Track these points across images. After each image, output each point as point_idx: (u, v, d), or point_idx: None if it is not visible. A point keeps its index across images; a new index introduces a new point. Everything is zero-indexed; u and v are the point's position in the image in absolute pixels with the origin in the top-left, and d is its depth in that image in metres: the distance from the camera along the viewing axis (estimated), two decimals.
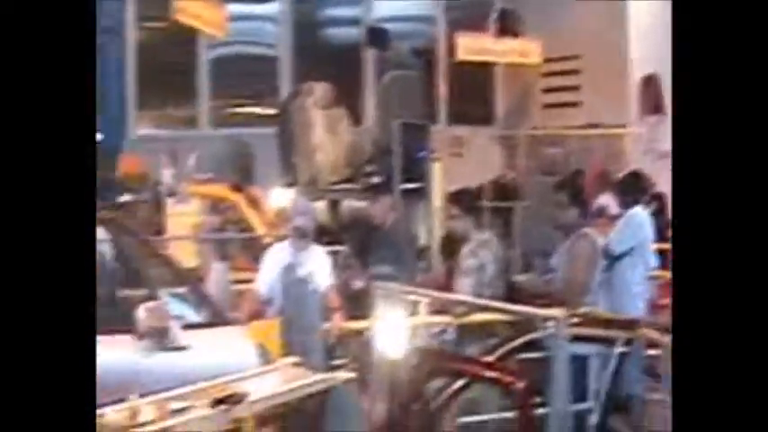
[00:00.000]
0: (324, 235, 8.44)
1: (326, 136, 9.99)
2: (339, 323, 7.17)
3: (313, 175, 9.85)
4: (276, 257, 7.36)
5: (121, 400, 3.97)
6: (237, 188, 10.07)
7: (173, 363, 5.86)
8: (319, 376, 4.49)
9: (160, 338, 5.92)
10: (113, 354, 5.99)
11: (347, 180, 9.91)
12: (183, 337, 5.98)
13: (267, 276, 7.32)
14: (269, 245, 8.32)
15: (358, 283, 8.18)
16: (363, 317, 7.29)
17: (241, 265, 9.22)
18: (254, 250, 9.39)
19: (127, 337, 6.07)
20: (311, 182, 9.83)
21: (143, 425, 3.72)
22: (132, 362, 5.95)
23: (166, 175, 10.60)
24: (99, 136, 12.76)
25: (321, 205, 9.50)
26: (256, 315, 7.14)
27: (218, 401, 3.94)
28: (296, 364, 4.73)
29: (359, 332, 7.35)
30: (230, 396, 3.97)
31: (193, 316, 6.60)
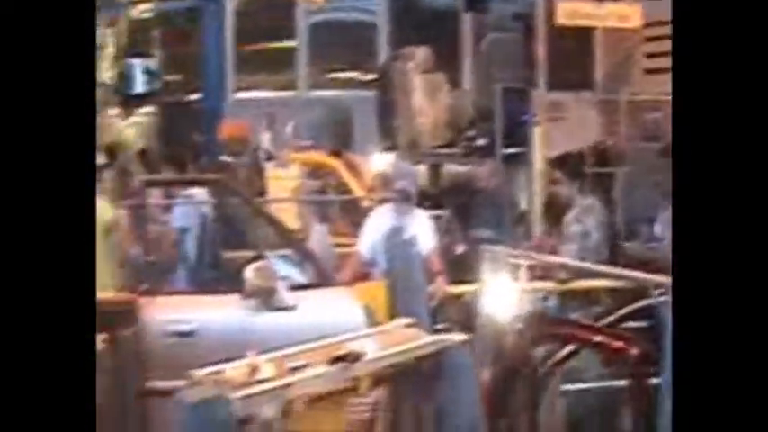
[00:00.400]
0: (424, 199, 8.38)
1: (427, 100, 9.90)
2: (442, 287, 7.11)
3: (413, 139, 9.77)
4: (379, 221, 7.32)
5: (234, 359, 3.97)
6: (336, 153, 10.05)
7: (280, 322, 5.89)
8: (434, 337, 4.43)
9: (267, 298, 5.95)
10: (220, 313, 6.07)
11: (448, 144, 9.81)
12: (289, 297, 5.99)
13: (370, 239, 7.29)
14: (369, 209, 8.28)
15: (459, 248, 8.11)
16: (465, 281, 7.22)
17: (341, 230, 9.22)
18: (353, 214, 9.37)
19: (233, 297, 6.13)
20: (411, 146, 9.76)
21: (262, 381, 3.71)
22: (239, 321, 6.00)
23: (265, 139, 10.63)
24: (200, 98, 12.98)
25: (421, 169, 9.42)
26: (359, 277, 7.12)
27: (336, 360, 3.92)
28: (409, 325, 4.69)
29: (460, 297, 7.29)
30: (348, 355, 3.94)
31: (299, 277, 6.62)
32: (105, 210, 7.42)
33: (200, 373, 3.81)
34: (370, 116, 10.29)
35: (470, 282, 7.11)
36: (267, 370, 3.78)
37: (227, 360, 4.00)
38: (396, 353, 4.21)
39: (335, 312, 5.98)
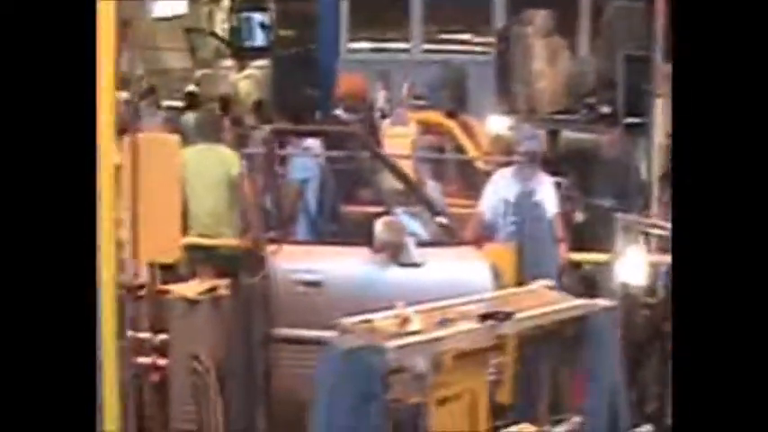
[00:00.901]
0: (543, 165, 8.25)
1: (546, 65, 9.73)
2: (564, 253, 7.00)
3: (532, 103, 9.63)
4: (502, 183, 7.24)
5: (362, 311, 3.93)
6: (452, 114, 9.95)
7: (408, 278, 5.87)
8: (580, 301, 4.35)
9: (396, 253, 5.92)
10: (347, 265, 6.07)
11: (567, 110, 9.64)
12: (418, 253, 5.96)
13: (492, 201, 7.22)
14: (484, 172, 8.19)
15: (579, 215, 7.98)
16: (584, 249, 7.11)
17: (452, 192, 9.16)
18: (467, 176, 9.30)
19: (359, 250, 6.12)
20: (530, 110, 9.62)
21: (413, 333, 3.69)
22: (366, 274, 5.99)
23: (381, 97, 10.59)
24: (314, 53, 12.99)
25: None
26: (481, 239, 7.06)
27: (485, 317, 3.87)
28: (551, 288, 4.62)
29: (580, 265, 7.18)
30: (497, 313, 3.89)
31: (424, 234, 6.58)
32: (231, 158, 7.50)
33: (351, 321, 3.79)
34: (486, 79, 10.17)
35: (591, 250, 7.01)
36: (417, 322, 3.74)
37: (358, 312, 3.97)
38: (543, 314, 4.15)
39: (463, 271, 5.93)
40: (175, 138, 5.55)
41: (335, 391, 3.49)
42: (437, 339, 3.70)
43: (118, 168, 4.21)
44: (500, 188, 7.18)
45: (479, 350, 3.91)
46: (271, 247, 5.99)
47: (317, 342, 5.74)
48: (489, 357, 4.03)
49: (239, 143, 8.80)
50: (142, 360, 5.46)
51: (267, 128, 6.63)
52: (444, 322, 3.85)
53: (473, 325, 3.86)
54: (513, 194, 6.95)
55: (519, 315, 3.99)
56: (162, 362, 5.78)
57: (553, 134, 9.61)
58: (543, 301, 4.32)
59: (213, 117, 7.93)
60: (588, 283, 6.86)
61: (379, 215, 6.16)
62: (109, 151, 3.64)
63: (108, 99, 3.56)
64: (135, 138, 4.87)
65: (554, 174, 8.40)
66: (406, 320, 3.74)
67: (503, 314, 3.89)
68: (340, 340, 3.61)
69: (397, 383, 3.57)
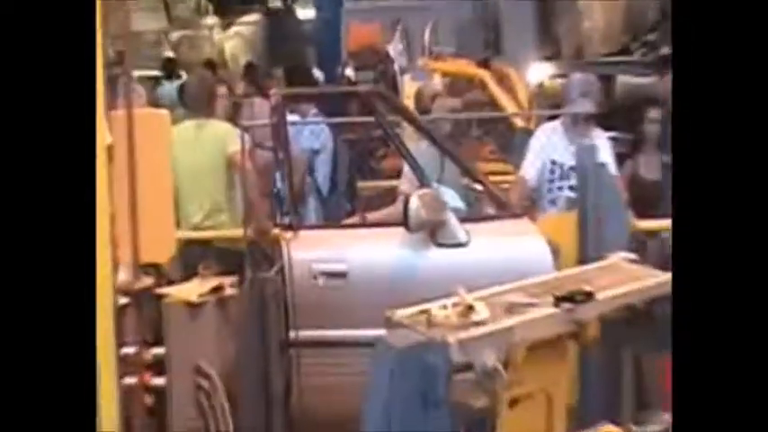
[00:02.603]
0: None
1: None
2: (630, 220, 6.95)
3: (579, 45, 9.58)
4: (547, 141, 7.22)
5: (399, 305, 3.91)
6: (484, 63, 9.92)
7: (451, 260, 5.84)
8: (669, 275, 4.29)
9: (436, 233, 5.88)
10: (376, 250, 6.04)
11: (623, 51, 9.58)
12: (461, 231, 5.93)
13: (538, 163, 7.20)
14: (525, 130, 8.15)
15: (649, 174, 7.99)
16: (650, 215, 7.06)
17: (485, 155, 9.14)
18: (504, 136, 9.27)
19: (390, 231, 6.08)
20: (576, 54, 9.57)
21: (479, 323, 3.66)
22: (400, 259, 5.96)
23: (396, 48, 10.56)
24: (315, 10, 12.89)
25: None
26: (528, 210, 7.04)
27: (561, 299, 3.84)
28: (632, 261, 4.58)
29: (651, 232, 7.13)
30: (576, 293, 3.86)
31: (466, 207, 6.55)
32: (227, 134, 7.45)
33: (402, 313, 3.77)
34: (525, 20, 10.11)
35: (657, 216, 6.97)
36: (482, 311, 3.71)
37: (395, 306, 3.94)
38: (629, 292, 4.11)
39: (517, 249, 5.90)
40: (165, 113, 5.49)
41: (391, 398, 3.46)
42: (508, 329, 3.66)
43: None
44: (547, 147, 7.14)
45: (556, 339, 3.88)
46: (285, 235, 5.95)
47: (345, 344, 5.81)
48: (567, 348, 4.00)
49: (229, 115, 8.78)
50: (130, 381, 5.41)
51: (276, 92, 6.54)
52: (514, 309, 3.82)
53: (547, 310, 3.83)
54: (567, 154, 6.92)
55: (601, 295, 3.96)
56: (158, 381, 5.75)
57: (605, 80, 9.56)
58: (625, 278, 4.28)
59: (206, 84, 7.82)
60: (660, 252, 6.83)
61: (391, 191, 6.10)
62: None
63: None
64: (114, 115, 4.79)
65: (608, 128, 8.37)
66: (469, 309, 3.71)
67: (582, 294, 3.86)
68: (393, 337, 3.58)
69: (462, 384, 3.55)
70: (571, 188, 6.92)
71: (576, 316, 3.86)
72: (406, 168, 6.76)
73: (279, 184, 6.66)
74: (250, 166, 7.07)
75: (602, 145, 7.10)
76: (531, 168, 7.27)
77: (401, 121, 6.88)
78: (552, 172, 7.23)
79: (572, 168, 7.13)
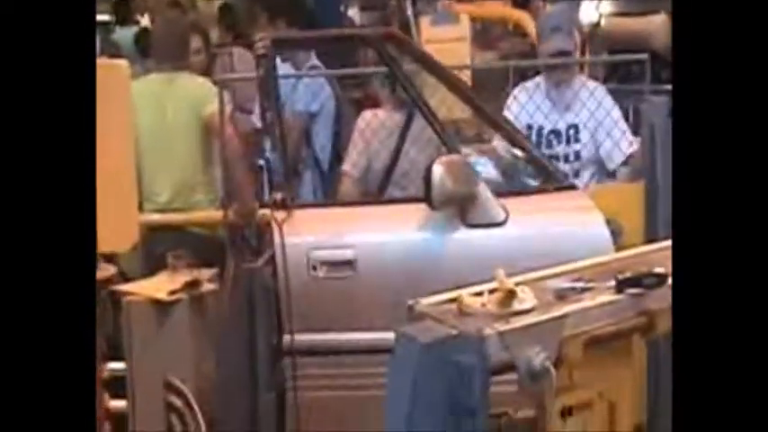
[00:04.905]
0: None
1: None
2: None
3: None
4: (531, 101, 7.34)
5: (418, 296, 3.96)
6: (523, 3, 10.00)
7: (483, 242, 5.91)
8: None
9: (466, 208, 5.95)
10: (390, 233, 6.11)
11: None
12: (497, 206, 6.00)
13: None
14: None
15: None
16: None
17: None
18: None
19: (407, 208, 6.16)
20: None
21: (522, 312, 3.71)
22: (420, 243, 6.03)
23: None
24: None
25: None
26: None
27: (624, 283, 3.88)
28: None
29: None
30: (641, 276, 3.90)
31: (501, 178, 6.63)
32: (203, 91, 7.51)
33: (428, 301, 3.81)
34: None
35: None
36: (527, 297, 3.76)
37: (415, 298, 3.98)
38: None
39: (564, 228, 5.98)
40: (123, 63, 5.54)
41: (414, 405, 3.51)
42: (559, 320, 3.71)
43: None
44: (528, 109, 7.29)
45: (620, 333, 3.92)
46: (276, 215, 6.00)
47: (352, 350, 5.88)
48: (634, 344, 4.04)
49: (204, 69, 8.84)
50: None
51: (267, 37, 6.56)
52: (567, 295, 3.87)
53: (608, 297, 3.87)
54: (548, 115, 7.08)
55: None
56: (117, 403, 5.82)
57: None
58: None
59: (177, 28, 7.86)
60: None
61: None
62: None
63: None
64: None
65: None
66: (510, 295, 3.75)
67: (652, 277, 3.89)
68: (416, 330, 3.61)
69: (501, 388, 3.59)
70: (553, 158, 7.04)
71: (645, 304, 3.90)
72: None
73: (267, 154, 6.72)
74: (231, 131, 7.13)
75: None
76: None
77: (420, 72, 6.90)
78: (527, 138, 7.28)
79: (553, 132, 7.26)
